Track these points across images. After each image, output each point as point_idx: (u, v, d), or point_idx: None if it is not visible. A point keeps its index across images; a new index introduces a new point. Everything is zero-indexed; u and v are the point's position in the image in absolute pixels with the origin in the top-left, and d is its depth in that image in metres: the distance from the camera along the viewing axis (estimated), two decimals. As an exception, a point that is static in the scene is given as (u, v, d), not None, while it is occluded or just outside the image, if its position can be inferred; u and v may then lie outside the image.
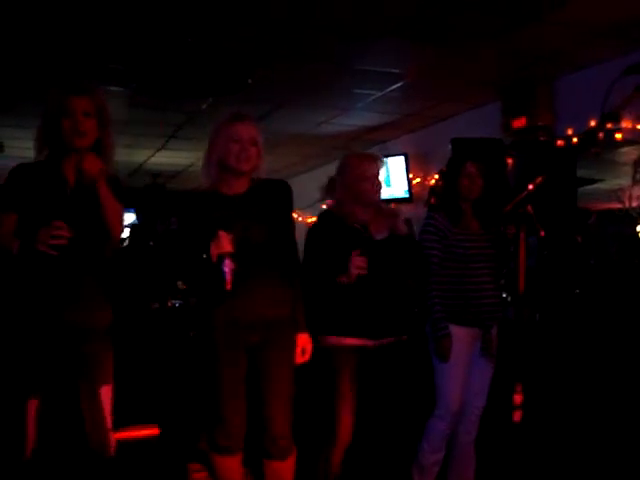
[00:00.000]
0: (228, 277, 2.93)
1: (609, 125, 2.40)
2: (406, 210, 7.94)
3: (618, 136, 4.85)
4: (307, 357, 3.26)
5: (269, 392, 3.14)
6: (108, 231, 2.94)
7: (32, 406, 2.86)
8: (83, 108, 2.89)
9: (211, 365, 3.12)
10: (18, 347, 2.92)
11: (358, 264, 3.33)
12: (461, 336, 3.65)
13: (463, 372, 3.70)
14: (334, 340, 3.46)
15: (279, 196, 3.27)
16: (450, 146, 5.74)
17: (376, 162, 3.65)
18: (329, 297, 3.47)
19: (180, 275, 3.47)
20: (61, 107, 2.88)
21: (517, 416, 2.38)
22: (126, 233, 10.00)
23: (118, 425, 3.80)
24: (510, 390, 2.36)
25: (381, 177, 3.65)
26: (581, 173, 5.29)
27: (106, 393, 2.95)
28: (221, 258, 2.94)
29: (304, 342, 3.25)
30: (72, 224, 2.85)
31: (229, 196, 3.16)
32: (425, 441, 3.76)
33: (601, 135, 4.93)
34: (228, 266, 2.93)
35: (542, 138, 5.65)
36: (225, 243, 2.94)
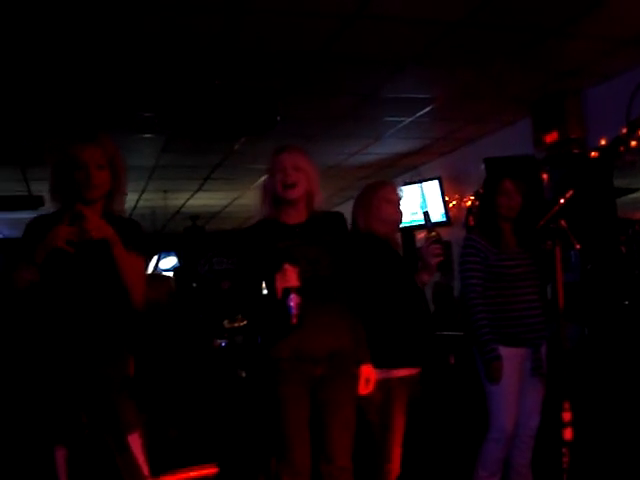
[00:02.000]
0: (294, 311, 2.87)
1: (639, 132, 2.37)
2: (445, 233, 7.94)
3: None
4: (371, 388, 3.22)
5: (332, 424, 3.09)
6: (127, 289, 2.87)
7: (61, 455, 2.84)
8: (96, 160, 2.80)
9: (274, 402, 3.06)
10: (39, 397, 2.90)
11: (434, 252, 3.35)
12: (510, 357, 3.60)
13: (515, 393, 3.65)
14: (384, 373, 3.39)
15: (338, 227, 3.27)
16: (483, 166, 5.74)
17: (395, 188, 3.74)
18: (374, 327, 3.41)
19: (242, 310, 3.45)
20: (73, 159, 2.80)
21: (568, 434, 2.34)
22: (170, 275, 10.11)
23: (178, 466, 3.82)
24: (560, 408, 2.33)
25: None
26: (620, 183, 5.23)
27: (134, 440, 2.89)
28: (287, 292, 2.87)
29: (368, 373, 3.21)
30: (88, 275, 2.82)
31: (290, 225, 3.15)
32: (480, 466, 3.70)
33: (634, 143, 4.87)
34: (294, 300, 2.86)
35: (575, 151, 5.60)
36: (291, 277, 2.88)
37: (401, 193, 3.75)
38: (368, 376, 3.21)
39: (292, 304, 2.86)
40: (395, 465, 3.47)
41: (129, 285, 2.87)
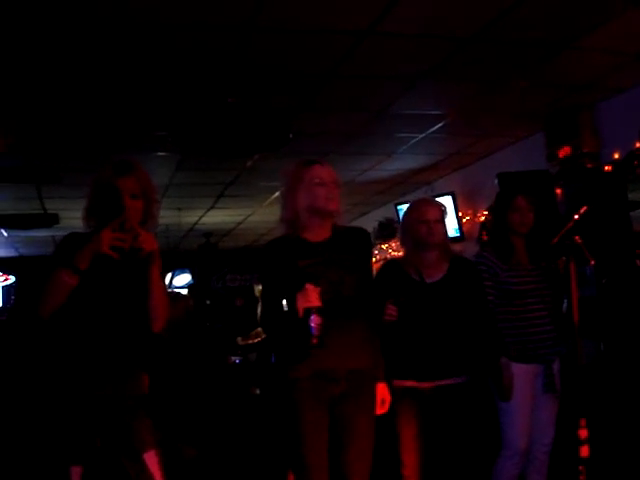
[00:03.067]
0: (315, 332, 2.84)
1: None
2: (459, 249, 7.93)
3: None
4: (387, 407, 3.21)
5: (350, 443, 3.05)
6: (152, 308, 2.97)
7: (76, 473, 2.85)
8: (130, 190, 2.94)
9: (294, 425, 3.03)
10: (58, 416, 2.96)
11: (388, 312, 3.28)
12: (522, 373, 3.58)
13: (527, 410, 3.62)
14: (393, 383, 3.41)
15: (362, 244, 3.25)
16: (497, 181, 5.72)
17: (434, 206, 3.64)
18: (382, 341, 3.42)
19: (263, 327, 3.41)
20: (110, 189, 2.93)
21: (584, 451, 2.31)
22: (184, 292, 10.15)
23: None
24: (575, 425, 2.31)
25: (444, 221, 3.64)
26: (634, 196, 5.21)
27: (151, 458, 2.91)
28: (308, 312, 2.85)
29: (383, 392, 3.20)
30: (114, 295, 2.90)
31: (314, 243, 3.12)
32: (495, 484, 3.68)
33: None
34: (315, 321, 2.84)
35: (589, 165, 5.58)
36: (313, 297, 2.86)
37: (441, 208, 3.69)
38: (384, 396, 3.20)
39: (313, 324, 2.84)
40: (410, 471, 3.45)
41: (156, 304, 2.96)
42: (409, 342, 3.44)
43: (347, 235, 3.21)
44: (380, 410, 3.19)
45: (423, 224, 3.51)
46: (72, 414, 2.89)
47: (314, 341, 2.86)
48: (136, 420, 2.93)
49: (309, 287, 2.88)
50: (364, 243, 3.26)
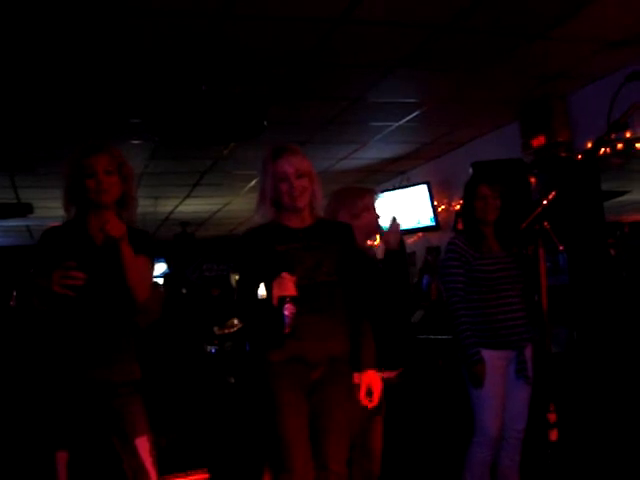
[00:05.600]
0: (288, 321, 2.84)
1: (612, 135, 2.37)
2: (434, 238, 7.96)
3: (638, 145, 4.83)
4: (376, 399, 3.12)
5: (327, 429, 3.03)
6: (130, 290, 2.97)
7: (62, 459, 2.87)
8: (104, 166, 2.97)
9: (272, 408, 3.00)
10: (45, 402, 2.98)
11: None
12: (494, 360, 3.62)
13: (499, 396, 3.66)
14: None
15: (344, 236, 3.21)
16: (471, 170, 5.75)
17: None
18: None
19: (240, 315, 3.37)
20: (83, 167, 2.96)
21: (553, 435, 2.34)
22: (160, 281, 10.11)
23: (169, 472, 3.81)
24: (545, 410, 2.34)
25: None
26: (609, 186, 5.25)
27: (142, 444, 2.94)
28: (282, 301, 2.84)
29: (369, 379, 3.11)
30: (99, 281, 2.92)
31: (294, 229, 3.11)
32: (467, 471, 3.71)
33: (620, 146, 4.90)
34: (289, 310, 2.83)
35: (562, 154, 5.62)
36: (288, 286, 2.85)
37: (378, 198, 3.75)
38: (370, 383, 3.10)
39: (287, 313, 2.83)
40: (376, 466, 3.48)
41: (133, 284, 2.97)
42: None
43: (329, 226, 3.22)
44: (366, 401, 3.10)
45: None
46: (58, 399, 2.90)
47: (287, 330, 2.86)
48: (128, 405, 2.96)
49: (285, 276, 2.87)
50: (347, 235, 3.24)
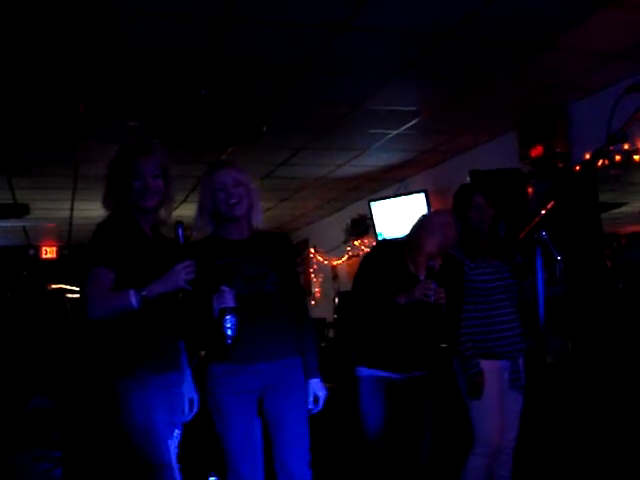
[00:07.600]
0: (229, 333, 2.91)
1: (611, 147, 2.37)
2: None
3: (636, 157, 4.83)
4: (321, 405, 3.22)
5: (282, 433, 3.11)
6: None
7: None
8: (152, 170, 2.97)
9: (217, 418, 3.08)
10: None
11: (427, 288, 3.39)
12: (490, 370, 3.61)
13: (497, 406, 3.64)
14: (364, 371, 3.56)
15: (283, 244, 3.31)
16: (469, 179, 5.76)
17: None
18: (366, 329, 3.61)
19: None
20: (131, 168, 2.94)
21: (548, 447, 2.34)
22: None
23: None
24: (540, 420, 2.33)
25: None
26: (607, 197, 5.25)
27: None
28: (223, 313, 2.91)
29: (315, 388, 3.22)
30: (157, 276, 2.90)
31: (233, 241, 3.18)
32: (465, 480, 3.69)
33: (619, 157, 4.89)
34: (230, 322, 2.91)
35: (560, 165, 5.62)
36: (227, 298, 2.93)
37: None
38: (316, 392, 3.21)
39: (228, 325, 2.90)
40: None
41: None
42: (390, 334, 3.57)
43: (268, 236, 3.29)
44: (314, 408, 3.21)
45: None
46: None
47: (228, 342, 2.92)
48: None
49: (224, 289, 2.94)
50: (285, 243, 3.35)
